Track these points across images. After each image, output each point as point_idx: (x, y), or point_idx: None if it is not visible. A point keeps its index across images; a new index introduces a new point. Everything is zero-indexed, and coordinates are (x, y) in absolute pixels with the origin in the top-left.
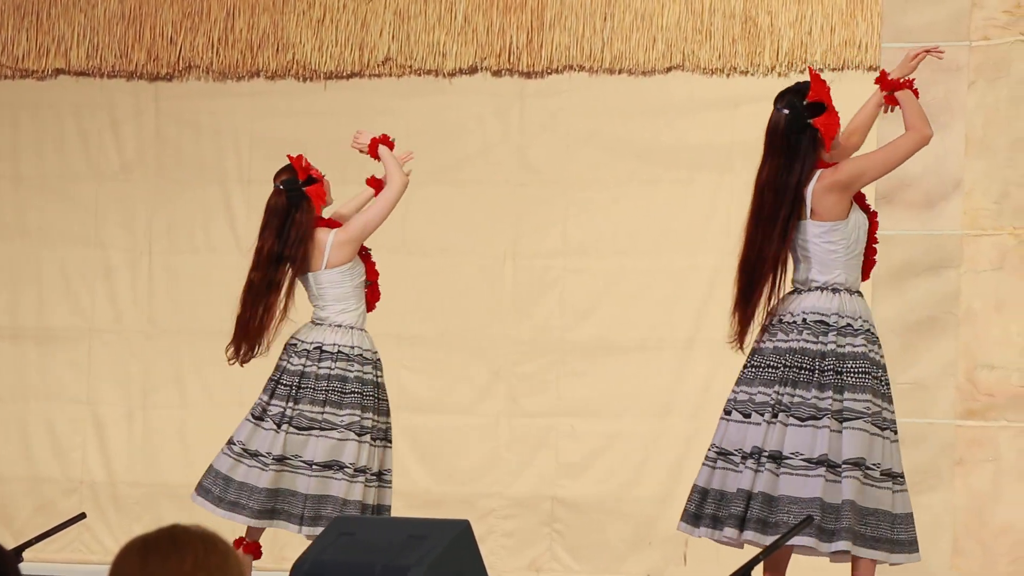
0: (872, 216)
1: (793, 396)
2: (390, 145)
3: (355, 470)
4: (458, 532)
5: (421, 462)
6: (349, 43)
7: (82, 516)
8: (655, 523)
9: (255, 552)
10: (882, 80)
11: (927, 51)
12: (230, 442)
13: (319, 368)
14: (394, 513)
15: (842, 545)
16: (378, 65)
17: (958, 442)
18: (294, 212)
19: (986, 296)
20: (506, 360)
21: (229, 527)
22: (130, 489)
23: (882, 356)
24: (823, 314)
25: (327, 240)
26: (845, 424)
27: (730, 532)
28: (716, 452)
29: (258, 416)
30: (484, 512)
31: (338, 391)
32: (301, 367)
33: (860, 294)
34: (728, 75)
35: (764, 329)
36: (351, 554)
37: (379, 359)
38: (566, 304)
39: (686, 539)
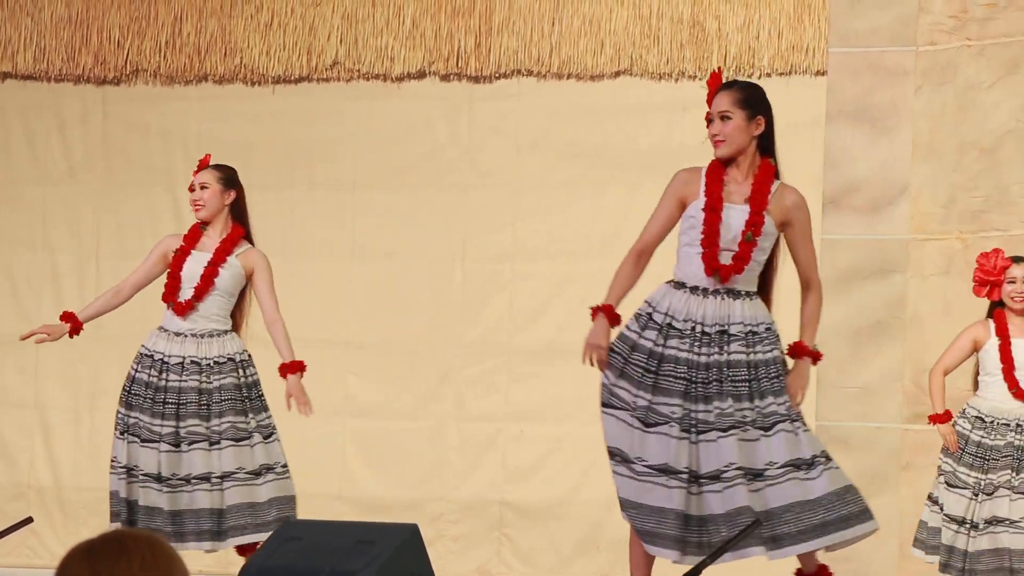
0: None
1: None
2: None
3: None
4: (406, 536)
5: (369, 466)
6: (297, 47)
7: (29, 520)
8: (603, 527)
9: None
10: None
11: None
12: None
13: None
14: (342, 517)
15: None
16: (326, 69)
17: (905, 447)
18: None
19: (933, 301)
20: (454, 364)
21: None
22: (77, 494)
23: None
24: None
25: None
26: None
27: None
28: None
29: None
30: (432, 516)
31: None
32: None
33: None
34: (676, 80)
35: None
36: (299, 559)
37: (161, 359)
38: (515, 307)
39: None
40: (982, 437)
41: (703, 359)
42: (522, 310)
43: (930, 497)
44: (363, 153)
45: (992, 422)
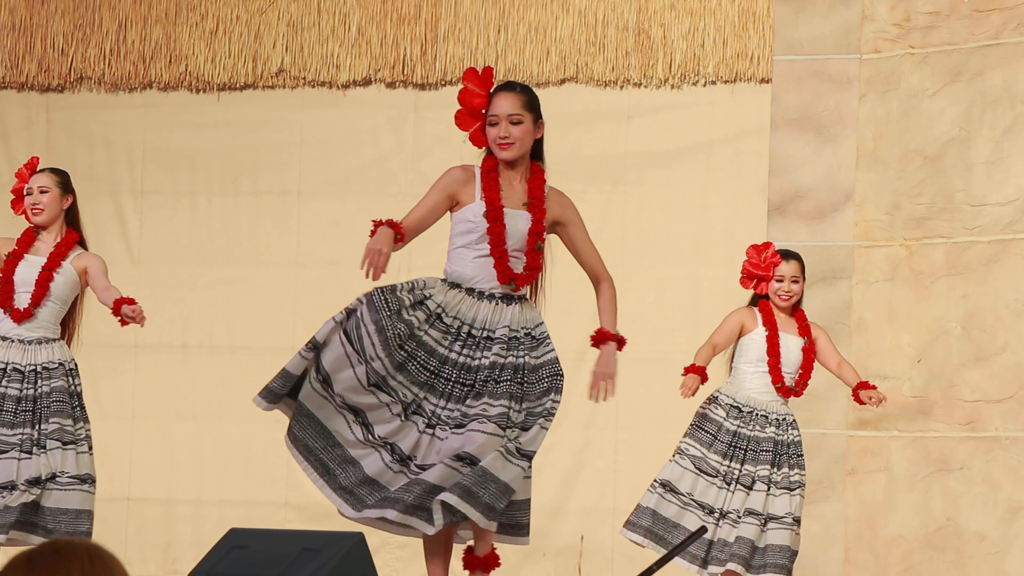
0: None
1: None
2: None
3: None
4: (352, 544)
5: None
6: (242, 55)
7: None
8: (549, 534)
9: None
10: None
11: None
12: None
13: None
14: (288, 525)
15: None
16: (271, 77)
17: (850, 452)
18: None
19: (878, 307)
20: None
21: None
22: None
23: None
24: None
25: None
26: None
27: None
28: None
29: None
30: None
31: None
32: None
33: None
34: (621, 87)
35: None
36: (244, 567)
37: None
38: None
39: (580, 550)
40: (738, 427)
41: (462, 359)
42: None
43: (664, 485)
44: (308, 160)
45: (751, 413)
